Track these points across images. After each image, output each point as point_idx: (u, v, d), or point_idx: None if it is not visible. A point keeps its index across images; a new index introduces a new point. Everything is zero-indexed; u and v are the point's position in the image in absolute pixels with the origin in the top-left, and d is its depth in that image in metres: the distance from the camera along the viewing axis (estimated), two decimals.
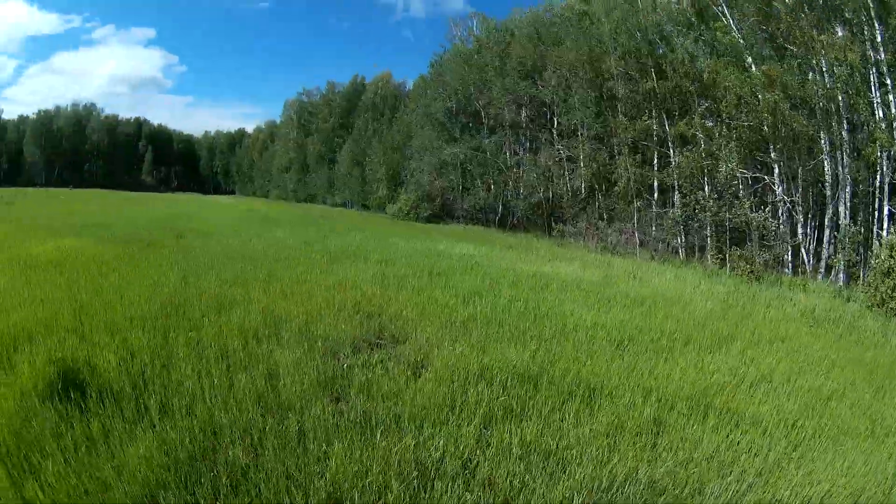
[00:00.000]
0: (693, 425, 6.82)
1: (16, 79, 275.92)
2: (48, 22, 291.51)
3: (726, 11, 32.87)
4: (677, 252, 35.03)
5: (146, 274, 13.84)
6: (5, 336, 8.49)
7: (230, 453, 5.43)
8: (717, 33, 32.84)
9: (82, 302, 10.60)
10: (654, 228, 36.88)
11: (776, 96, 28.76)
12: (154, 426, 5.91)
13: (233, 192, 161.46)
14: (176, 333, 8.80)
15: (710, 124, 34.26)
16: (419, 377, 7.59)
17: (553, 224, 44.73)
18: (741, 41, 31.88)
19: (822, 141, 29.35)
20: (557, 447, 5.84)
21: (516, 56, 52.22)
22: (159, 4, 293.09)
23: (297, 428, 5.93)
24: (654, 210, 37.74)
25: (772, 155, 31.06)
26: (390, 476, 5.05)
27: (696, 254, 34.02)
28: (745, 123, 30.97)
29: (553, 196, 47.50)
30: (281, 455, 5.42)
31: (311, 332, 9.29)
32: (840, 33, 28.74)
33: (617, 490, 5.27)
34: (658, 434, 6.48)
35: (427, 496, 4.90)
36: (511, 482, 5.20)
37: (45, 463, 5.27)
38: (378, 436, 5.81)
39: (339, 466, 5.20)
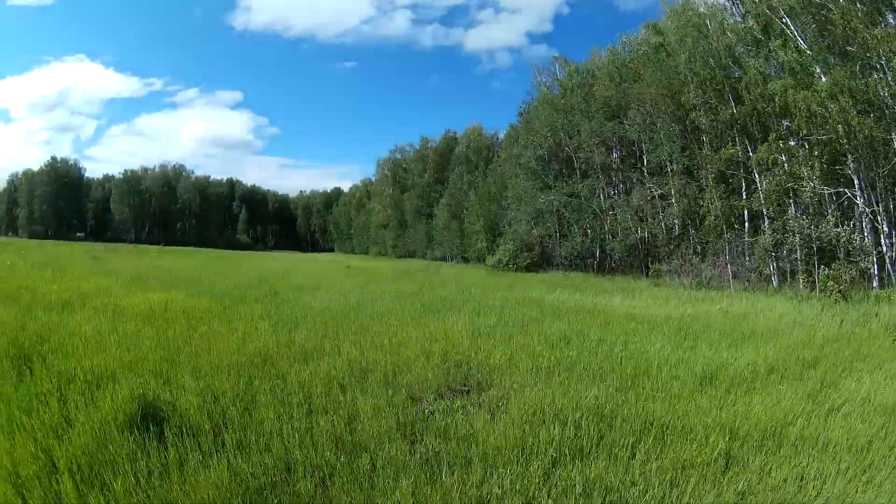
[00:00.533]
0: (763, 456, 6.72)
1: (97, 139, 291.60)
2: (128, 85, 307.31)
3: (789, 22, 32.54)
4: (770, 280, 34.38)
5: (236, 327, 14.01)
6: (89, 375, 8.84)
7: (299, 486, 5.59)
8: (780, 51, 32.34)
9: (169, 349, 10.93)
10: (746, 258, 36.49)
11: (844, 103, 28.22)
12: (228, 459, 6.09)
13: (331, 250, 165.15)
14: (261, 381, 9.00)
15: (792, 143, 33.77)
16: (496, 420, 7.64)
17: (649, 264, 44.51)
18: (808, 51, 31.32)
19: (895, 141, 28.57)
20: (621, 484, 5.83)
21: (600, 97, 52.18)
22: (244, 68, 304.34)
23: (368, 466, 6.07)
24: (746, 239, 37.30)
25: (850, 165, 30.33)
26: None
27: (788, 279, 33.35)
28: (821, 137, 30.40)
29: (648, 236, 47.24)
30: (348, 488, 5.57)
31: (397, 381, 9.40)
32: (893, 22, 28.28)
33: None
34: (726, 468, 6.40)
35: None
36: None
37: (116, 481, 5.50)
38: (444, 474, 5.90)
39: (402, 499, 5.34)
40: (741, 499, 5.72)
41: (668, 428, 7.51)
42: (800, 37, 32.22)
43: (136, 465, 5.92)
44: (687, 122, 41.93)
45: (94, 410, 7.33)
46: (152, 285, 23.22)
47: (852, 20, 28.97)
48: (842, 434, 7.44)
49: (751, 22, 36.49)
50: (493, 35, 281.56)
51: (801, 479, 6.14)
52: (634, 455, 6.60)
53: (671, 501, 5.59)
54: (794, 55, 31.79)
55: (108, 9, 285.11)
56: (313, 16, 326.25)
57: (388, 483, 5.69)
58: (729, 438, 7.13)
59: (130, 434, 6.59)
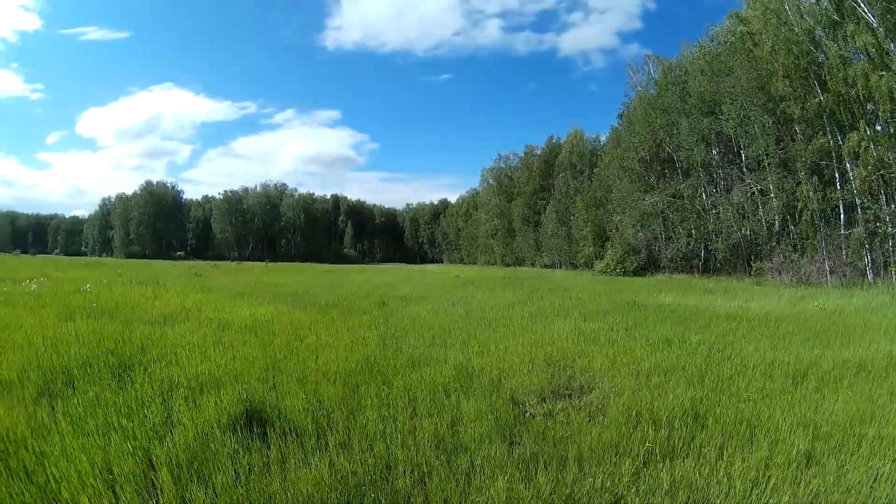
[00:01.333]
0: (842, 456, 6.73)
1: (193, 162, 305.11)
2: (221, 109, 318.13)
3: (860, 1, 31.59)
4: (865, 274, 33.74)
5: (343, 337, 14.20)
6: (192, 382, 9.19)
7: (398, 482, 5.84)
8: (856, 35, 31.60)
9: (275, 359, 11.22)
10: (843, 253, 35.97)
11: None
12: (330, 458, 6.34)
13: (440, 261, 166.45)
14: (367, 387, 9.22)
15: (878, 129, 32.99)
16: (593, 422, 7.80)
17: (752, 263, 43.95)
18: (879, 28, 30.49)
19: None
20: (706, 483, 5.95)
21: (695, 92, 51.94)
22: (340, 86, 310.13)
23: (466, 465, 6.27)
24: (841, 232, 36.74)
25: None
26: None
27: (882, 273, 32.54)
28: None
29: (750, 233, 46.72)
30: (445, 485, 5.77)
31: (501, 385, 9.58)
32: None
33: None
34: (805, 467, 6.44)
35: None
36: None
37: (216, 476, 5.81)
38: (539, 473, 6.09)
39: (496, 495, 5.54)
40: (815, 498, 5.78)
41: (756, 428, 7.58)
42: (870, 13, 31.52)
43: (237, 462, 6.23)
44: (778, 113, 41.34)
45: (197, 413, 7.65)
46: (257, 299, 23.47)
47: None
48: None
49: (825, 2, 35.82)
50: (585, 37, 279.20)
51: (875, 480, 6.14)
52: (722, 454, 6.67)
53: (750, 500, 5.67)
54: (869, 37, 31.09)
55: (190, 37, 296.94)
56: (403, 31, 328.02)
57: (485, 481, 5.89)
58: (811, 438, 7.17)
59: (233, 434, 6.90)
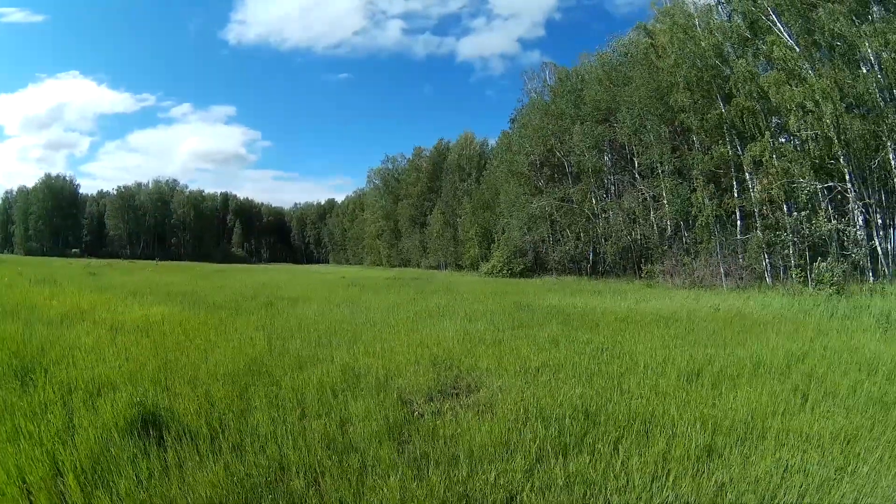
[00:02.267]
0: (745, 449, 6.88)
1: (92, 155, 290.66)
2: (121, 101, 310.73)
3: (776, 20, 33.09)
4: (763, 277, 34.78)
5: (232, 338, 14.24)
6: (89, 385, 9.07)
7: (293, 484, 5.82)
8: (774, 46, 32.60)
9: (167, 360, 11.12)
10: (740, 257, 36.92)
11: (835, 101, 28.60)
12: (225, 460, 6.31)
13: (326, 262, 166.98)
14: (256, 388, 9.21)
15: (783, 140, 34.09)
16: (482, 420, 7.85)
17: (642, 266, 44.86)
18: (795, 48, 31.59)
19: (884, 135, 29.04)
20: (602, 478, 6.01)
21: (591, 100, 52.74)
22: (237, 82, 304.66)
23: (358, 464, 6.28)
24: (738, 237, 37.80)
25: (841, 160, 30.57)
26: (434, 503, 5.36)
27: (781, 276, 33.67)
28: (811, 133, 30.74)
29: (641, 238, 47.69)
30: (339, 485, 5.78)
31: (388, 385, 9.60)
32: (879, 16, 28.68)
33: None
34: (707, 460, 6.55)
35: None
36: None
37: (119, 481, 5.74)
38: (431, 471, 6.11)
39: (389, 495, 5.54)
40: (721, 489, 5.85)
41: (651, 423, 7.69)
42: (786, 33, 32.51)
43: (137, 466, 6.14)
44: (676, 124, 42.28)
45: (95, 417, 7.55)
46: (149, 299, 23.38)
47: (839, 18, 29.31)
48: (826, 426, 7.61)
49: (738, 20, 36.90)
50: (485, 42, 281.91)
51: (785, 471, 6.25)
52: (617, 450, 6.75)
53: (651, 494, 5.73)
54: (787, 51, 32.06)
55: (102, 25, 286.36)
56: (306, 29, 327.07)
57: (377, 480, 5.89)
58: (711, 432, 7.31)
59: (131, 438, 6.82)
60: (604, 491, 5.79)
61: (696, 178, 40.63)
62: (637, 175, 50.53)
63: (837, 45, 30.39)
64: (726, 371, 10.85)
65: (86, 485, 5.75)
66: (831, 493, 5.75)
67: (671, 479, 6.02)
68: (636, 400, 8.82)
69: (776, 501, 5.62)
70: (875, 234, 30.20)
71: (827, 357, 11.96)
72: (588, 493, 5.75)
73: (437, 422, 7.79)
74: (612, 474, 6.11)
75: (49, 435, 6.91)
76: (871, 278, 29.15)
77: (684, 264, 39.78)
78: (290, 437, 7.00)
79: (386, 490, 5.66)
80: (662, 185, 45.27)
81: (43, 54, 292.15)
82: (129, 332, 14.53)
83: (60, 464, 6.17)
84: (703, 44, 38.48)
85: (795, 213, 33.42)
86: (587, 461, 6.43)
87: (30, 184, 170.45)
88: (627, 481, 5.98)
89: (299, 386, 9.43)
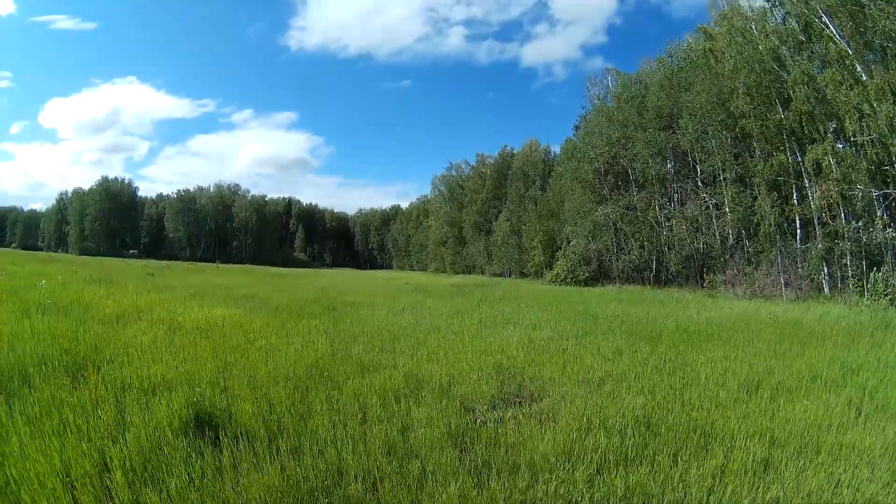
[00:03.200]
0: (800, 463, 6.79)
1: (151, 159, 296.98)
2: (180, 107, 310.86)
3: (828, 21, 32.32)
4: (821, 288, 34.11)
5: (294, 341, 14.21)
6: (144, 383, 9.12)
7: (350, 488, 5.82)
8: (829, 43, 32.13)
9: (226, 362, 11.19)
10: (798, 266, 36.27)
11: (890, 104, 28.03)
12: (282, 463, 6.31)
13: (389, 267, 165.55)
14: (317, 392, 9.24)
15: (841, 146, 33.53)
16: (544, 429, 7.79)
17: (705, 275, 44.27)
18: (848, 50, 31.03)
19: None
20: (661, 490, 5.96)
21: (652, 107, 52.15)
22: (299, 89, 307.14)
23: (418, 471, 6.25)
24: (798, 247, 37.11)
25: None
26: None
27: (839, 286, 33.02)
28: (868, 137, 30.11)
29: (703, 246, 46.98)
30: (397, 491, 5.77)
31: (451, 392, 9.61)
32: None
33: None
34: (763, 474, 6.49)
35: None
36: None
37: (169, 480, 5.75)
38: (492, 479, 6.08)
39: (448, 501, 5.54)
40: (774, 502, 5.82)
41: (710, 435, 7.63)
42: (838, 35, 32.03)
43: (190, 466, 6.17)
44: (737, 130, 41.82)
45: (149, 416, 7.59)
46: (209, 301, 23.41)
47: (888, 16, 28.82)
48: (878, 440, 7.53)
49: (792, 23, 36.34)
50: (548, 49, 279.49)
51: (836, 486, 6.20)
52: (676, 462, 6.70)
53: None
54: (839, 50, 31.64)
55: (159, 32, 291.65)
56: (367, 36, 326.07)
57: (437, 487, 5.87)
58: (768, 446, 7.25)
59: (185, 438, 6.86)
60: (662, 503, 5.75)
61: (758, 186, 40.14)
62: (699, 182, 49.81)
63: (889, 46, 29.80)
64: (784, 383, 10.75)
65: (134, 482, 5.78)
66: None
67: (728, 493, 5.99)
68: (696, 412, 8.74)
69: None
70: None
71: (880, 370, 11.82)
72: None
73: (500, 430, 7.76)
74: (669, 486, 6.09)
75: (98, 431, 6.95)
76: None
77: (745, 274, 39.21)
78: (349, 442, 6.98)
79: (445, 497, 5.65)
80: (724, 193, 44.67)
81: (96, 60, 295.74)
82: (188, 333, 14.53)
83: (108, 460, 6.20)
84: (760, 47, 38.04)
85: (853, 222, 32.88)
86: (647, 472, 6.40)
87: (84, 185, 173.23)
88: (685, 494, 5.95)
89: (361, 391, 9.42)
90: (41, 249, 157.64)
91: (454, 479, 6.06)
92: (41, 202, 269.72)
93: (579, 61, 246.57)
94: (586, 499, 5.77)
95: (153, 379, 9.46)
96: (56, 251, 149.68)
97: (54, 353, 10.68)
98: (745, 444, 7.22)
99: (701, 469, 6.52)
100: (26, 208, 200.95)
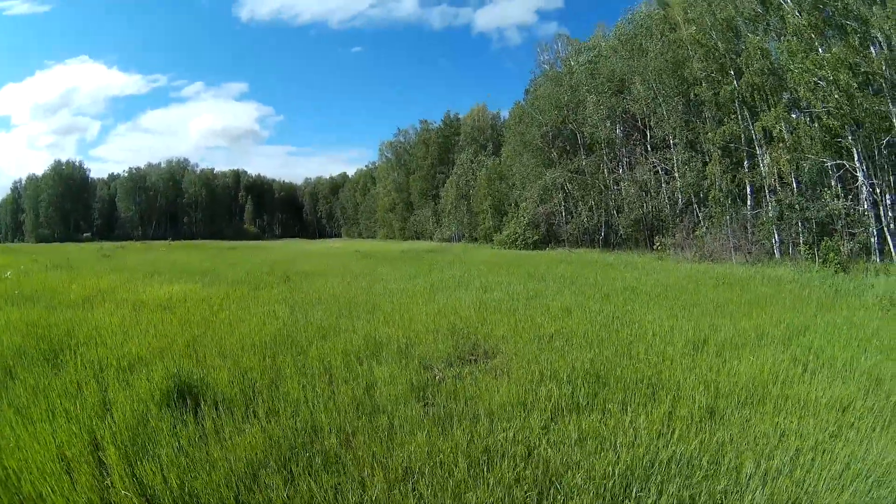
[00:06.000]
0: (746, 412, 7.23)
1: (103, 138, 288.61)
2: (132, 83, 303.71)
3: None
4: (772, 253, 34.77)
5: (255, 311, 14.76)
6: (121, 361, 9.48)
7: (325, 443, 6.23)
8: (787, 17, 32.54)
9: (194, 335, 11.60)
10: (750, 231, 36.84)
11: (845, 77, 28.56)
12: (261, 424, 6.73)
13: (338, 236, 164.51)
14: (284, 357, 9.71)
15: (795, 115, 34.08)
16: (500, 382, 8.29)
17: (654, 238, 44.82)
18: (805, 24, 31.53)
19: (893, 115, 28.87)
20: (612, 434, 6.41)
21: (605, 71, 52.47)
22: (250, 59, 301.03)
23: (386, 424, 6.73)
24: (748, 212, 37.75)
25: (849, 139, 30.56)
26: (459, 456, 5.74)
27: (790, 252, 33.68)
28: (823, 108, 30.68)
29: (652, 210, 47.54)
30: (369, 443, 6.20)
31: (409, 352, 10.10)
32: None
33: (656, 465, 5.73)
34: (709, 420, 6.91)
35: (489, 472, 5.51)
36: (565, 461, 5.78)
37: (159, 449, 6.10)
38: (454, 427, 6.55)
39: (417, 449, 5.96)
40: (721, 447, 6.20)
41: (657, 386, 8.10)
42: (797, 10, 32.46)
43: (177, 434, 6.55)
44: (690, 97, 42.31)
45: (131, 391, 7.94)
46: (167, 278, 23.79)
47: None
48: (823, 394, 7.90)
49: None
50: (502, 13, 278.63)
51: (782, 434, 6.59)
52: (626, 410, 7.16)
53: (657, 448, 6.10)
54: (797, 21, 32.02)
55: (110, 8, 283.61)
56: (321, 2, 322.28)
57: (406, 437, 6.34)
58: (714, 396, 7.70)
59: (168, 409, 7.25)
60: (614, 445, 6.17)
61: (709, 152, 40.76)
62: (649, 147, 50.51)
63: (849, 24, 30.32)
64: (731, 341, 11.16)
65: (127, 455, 6.08)
66: (824, 455, 6.04)
67: (676, 436, 6.40)
68: (644, 365, 9.22)
69: (773, 460, 5.89)
70: (883, 215, 30.27)
71: (827, 332, 12.14)
72: (599, 448, 6.11)
73: (458, 385, 8.24)
74: (621, 431, 6.52)
75: (86, 412, 7.26)
76: (878, 259, 29.28)
77: (695, 238, 39.89)
78: (320, 402, 7.45)
79: (414, 445, 6.08)
80: (675, 158, 45.39)
81: (50, 42, 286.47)
82: (153, 311, 14.92)
83: (99, 438, 6.52)
84: (718, 15, 38.32)
85: (798, 195, 33.58)
86: (598, 419, 6.87)
87: (39, 171, 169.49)
88: (636, 437, 6.38)
89: (325, 354, 9.92)
90: None
91: (420, 429, 6.50)
92: None
93: (535, 26, 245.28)
94: (543, 442, 6.20)
95: (129, 357, 9.82)
96: (13, 241, 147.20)
97: (31, 342, 10.98)
98: (692, 394, 7.68)
99: (650, 416, 6.97)
100: None
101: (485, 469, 5.63)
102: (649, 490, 5.32)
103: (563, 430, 6.58)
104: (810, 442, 6.36)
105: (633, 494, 5.26)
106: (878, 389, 8.16)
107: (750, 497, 5.27)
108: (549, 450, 6.07)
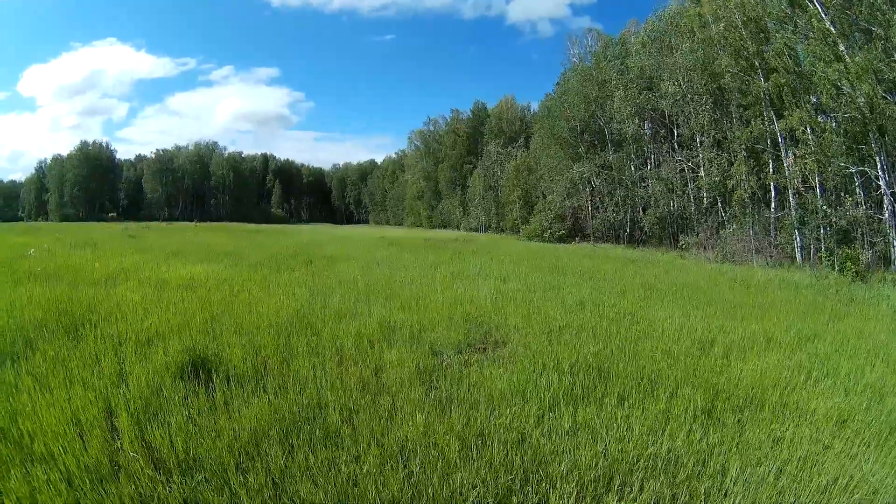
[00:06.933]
0: (741, 415, 7.33)
1: (129, 120, 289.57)
2: (161, 65, 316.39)
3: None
4: (793, 257, 34.57)
5: (275, 293, 15.03)
6: (140, 336, 9.83)
7: (328, 419, 6.51)
8: (812, 20, 32.29)
9: (213, 313, 11.90)
10: (773, 234, 36.71)
11: (869, 85, 28.29)
12: (269, 399, 7.01)
13: (366, 222, 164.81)
14: (298, 337, 9.96)
15: (822, 119, 33.80)
16: (504, 370, 8.52)
17: (678, 237, 44.70)
18: (831, 28, 31.28)
19: None
20: (605, 427, 6.58)
21: (635, 67, 52.38)
22: (281, 44, 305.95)
23: (389, 404, 7.00)
24: (772, 214, 37.56)
25: (872, 146, 30.17)
26: (453, 438, 5.96)
27: (811, 257, 33.50)
28: (845, 115, 30.40)
29: (677, 208, 47.38)
30: (370, 421, 6.47)
31: (421, 338, 10.33)
32: None
33: (642, 461, 5.85)
34: (703, 422, 7.00)
35: (479, 454, 5.72)
36: (554, 450, 5.96)
37: (169, 417, 6.41)
38: (453, 411, 6.79)
39: (414, 429, 6.20)
40: (711, 449, 6.30)
41: (657, 383, 8.23)
42: (823, 13, 32.26)
43: (188, 404, 6.88)
44: (718, 94, 42.16)
45: (147, 364, 8.28)
46: (191, 258, 24.18)
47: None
48: (822, 404, 7.92)
49: None
50: (535, 6, 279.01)
51: (775, 441, 6.68)
52: (623, 404, 7.33)
53: (646, 443, 6.27)
54: (822, 27, 31.78)
55: None
56: None
57: (405, 417, 6.59)
58: (712, 398, 7.79)
59: (182, 381, 7.60)
60: (605, 438, 6.35)
61: (735, 153, 40.65)
62: (676, 145, 50.37)
63: (874, 29, 30.06)
64: (738, 343, 11.20)
65: (139, 421, 6.40)
66: (813, 467, 6.09)
67: (667, 434, 6.54)
68: (647, 362, 9.34)
69: (760, 467, 5.97)
70: None
71: (836, 341, 12.05)
72: (590, 439, 6.30)
73: (464, 371, 8.50)
74: (614, 425, 6.70)
75: (102, 380, 7.60)
76: None
77: (718, 238, 39.80)
78: (327, 381, 7.73)
79: (412, 425, 6.34)
80: (701, 157, 45.21)
81: (76, 23, 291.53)
82: (175, 290, 15.18)
83: (114, 405, 6.86)
84: (748, 13, 38.08)
85: (821, 200, 33.38)
86: (594, 412, 7.06)
87: (63, 151, 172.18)
88: (627, 431, 6.55)
89: (338, 336, 10.20)
90: (21, 220, 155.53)
91: (420, 410, 6.76)
92: (21, 172, 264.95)
93: (567, 20, 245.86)
94: (536, 431, 6.42)
95: (147, 332, 10.17)
96: (37, 220, 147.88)
97: (52, 316, 11.30)
98: (690, 394, 7.78)
99: (645, 412, 7.14)
100: (6, 180, 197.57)
101: (475, 452, 5.82)
102: (631, 484, 5.49)
103: (558, 420, 6.78)
104: (801, 452, 6.42)
105: (616, 487, 5.43)
106: (880, 403, 8.11)
107: (731, 501, 5.40)
108: (541, 438, 6.26)
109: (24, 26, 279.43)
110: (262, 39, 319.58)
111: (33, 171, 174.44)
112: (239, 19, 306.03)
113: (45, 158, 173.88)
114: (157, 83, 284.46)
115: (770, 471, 5.90)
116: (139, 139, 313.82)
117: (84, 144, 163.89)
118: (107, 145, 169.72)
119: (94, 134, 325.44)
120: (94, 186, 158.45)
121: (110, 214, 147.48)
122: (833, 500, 5.53)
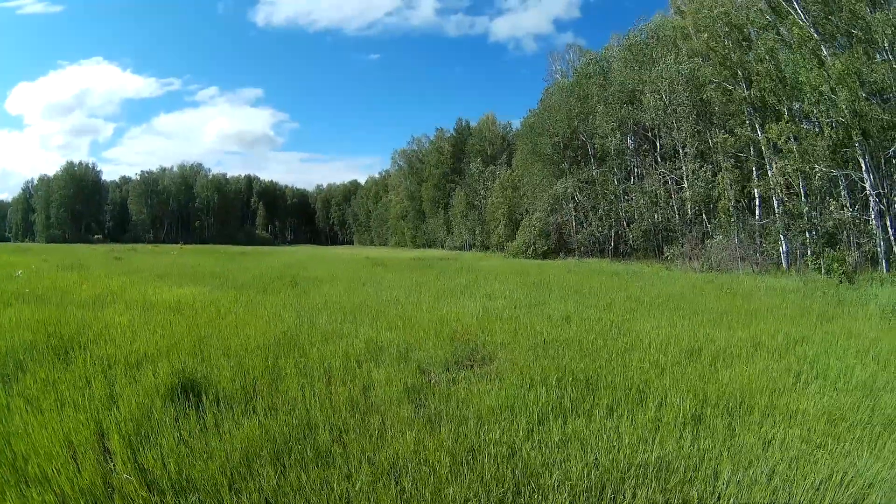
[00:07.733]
0: (731, 421, 7.35)
1: (116, 140, 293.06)
2: (146, 85, 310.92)
3: (795, 5, 32.72)
4: (779, 263, 34.84)
5: (261, 315, 15.06)
6: (129, 358, 9.84)
7: (318, 438, 6.51)
8: (794, 28, 32.56)
9: (201, 336, 11.88)
10: (758, 241, 37.06)
11: (852, 87, 28.52)
12: (259, 420, 7.03)
13: (350, 243, 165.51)
14: (286, 358, 9.95)
15: (806, 125, 34.05)
16: (492, 386, 8.54)
17: (663, 248, 45.02)
18: (814, 34, 31.54)
19: None
20: (595, 438, 6.60)
21: (616, 81, 52.67)
22: (265, 64, 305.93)
23: (378, 423, 7.00)
24: (757, 222, 37.98)
25: (856, 148, 30.55)
26: (444, 454, 5.98)
27: (798, 262, 33.75)
28: (828, 120, 30.75)
29: (661, 220, 47.71)
30: (360, 440, 6.47)
31: (409, 357, 10.35)
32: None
33: (633, 469, 5.86)
34: (692, 428, 7.02)
35: (471, 469, 5.75)
36: (545, 462, 5.98)
37: (161, 439, 6.42)
38: (443, 427, 6.80)
39: (405, 447, 6.21)
40: (701, 454, 6.30)
41: (645, 393, 8.29)
42: (805, 19, 32.50)
43: (179, 426, 6.88)
44: (700, 105, 42.48)
45: (137, 386, 8.29)
46: (177, 281, 24.26)
47: (856, 3, 29.36)
48: (812, 405, 7.99)
49: (761, 3, 36.70)
50: (519, 23, 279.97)
51: (766, 444, 6.71)
52: (612, 415, 7.38)
53: (636, 452, 6.27)
54: (803, 32, 32.02)
55: (125, 10, 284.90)
56: (338, 9, 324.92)
57: (395, 435, 6.60)
58: (701, 404, 7.84)
59: (172, 403, 7.59)
60: (595, 449, 6.36)
61: (722, 161, 40.89)
62: (659, 158, 50.88)
63: (855, 32, 30.32)
64: (725, 350, 11.28)
65: (130, 443, 6.40)
66: (805, 467, 6.09)
67: (657, 442, 6.57)
68: (635, 373, 9.39)
69: (752, 469, 5.99)
70: (890, 225, 30.29)
71: (825, 342, 12.19)
72: (581, 450, 6.32)
73: (452, 388, 8.52)
74: (604, 435, 6.72)
75: (93, 403, 7.60)
76: (886, 269, 29.27)
77: (703, 248, 40.00)
78: (317, 401, 7.74)
79: (402, 442, 6.34)
80: (685, 168, 45.59)
81: (64, 42, 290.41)
82: (162, 312, 15.24)
83: (105, 427, 6.86)
84: (731, 21, 38.35)
85: (814, 199, 33.62)
86: (583, 423, 7.08)
87: (51, 171, 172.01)
88: (617, 441, 6.57)
89: (326, 357, 10.21)
90: (8, 240, 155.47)
91: (410, 428, 6.77)
92: (8, 192, 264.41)
93: (551, 36, 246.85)
94: (526, 444, 6.43)
95: (136, 354, 10.18)
96: (23, 241, 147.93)
97: (41, 338, 11.32)
98: (679, 402, 7.82)
99: (634, 421, 7.18)
100: None
101: (467, 467, 5.84)
102: (623, 492, 5.50)
103: (548, 433, 6.80)
104: (793, 452, 6.44)
105: (608, 496, 5.45)
106: (870, 401, 8.18)
107: (724, 503, 5.44)
108: (532, 451, 6.28)
109: (12, 44, 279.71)
110: (247, 59, 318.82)
111: (20, 191, 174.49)
112: (224, 38, 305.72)
113: (32, 178, 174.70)
114: (143, 103, 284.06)
115: (762, 472, 5.94)
116: (125, 160, 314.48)
117: (70, 165, 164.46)
118: (93, 166, 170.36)
119: (81, 154, 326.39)
120: (80, 208, 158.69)
121: (96, 236, 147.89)
122: (828, 496, 5.56)
